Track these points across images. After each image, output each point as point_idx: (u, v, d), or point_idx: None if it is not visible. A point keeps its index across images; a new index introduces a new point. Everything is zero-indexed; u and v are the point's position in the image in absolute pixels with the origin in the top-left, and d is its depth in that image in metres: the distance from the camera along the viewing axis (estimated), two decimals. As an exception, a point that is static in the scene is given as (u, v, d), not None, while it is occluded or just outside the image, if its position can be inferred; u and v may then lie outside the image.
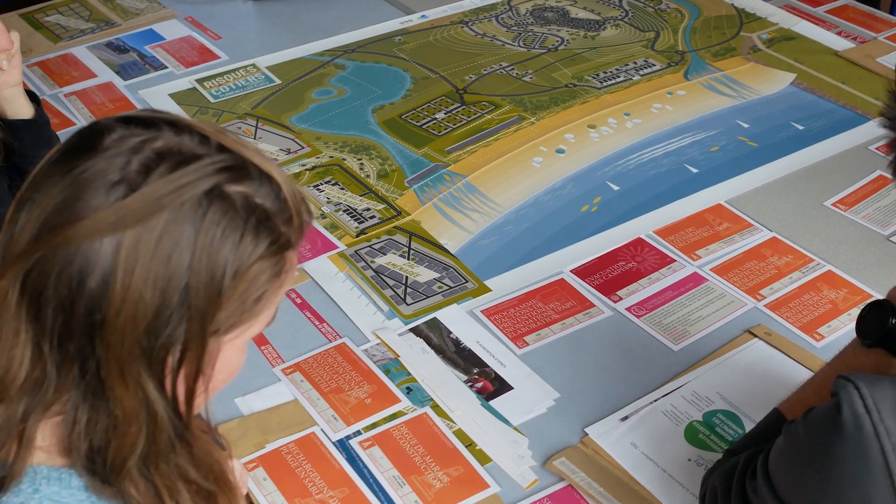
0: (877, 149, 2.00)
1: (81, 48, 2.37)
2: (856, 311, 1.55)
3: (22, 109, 1.51)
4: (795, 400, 1.12)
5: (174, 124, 0.78)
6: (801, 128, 2.09)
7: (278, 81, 2.26)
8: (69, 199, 0.73)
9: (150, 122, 0.78)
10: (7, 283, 0.75)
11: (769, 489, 0.95)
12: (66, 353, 0.76)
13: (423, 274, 1.67)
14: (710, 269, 1.67)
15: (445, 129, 2.10)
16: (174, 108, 2.15)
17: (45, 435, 0.79)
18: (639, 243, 1.74)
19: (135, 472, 0.79)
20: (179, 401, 0.80)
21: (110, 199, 0.73)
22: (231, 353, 0.83)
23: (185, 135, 0.78)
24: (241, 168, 0.78)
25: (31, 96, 1.55)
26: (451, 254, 1.72)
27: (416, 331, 1.55)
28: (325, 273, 1.67)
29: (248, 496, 1.26)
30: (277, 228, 0.79)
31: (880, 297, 1.57)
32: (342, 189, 1.89)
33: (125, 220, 0.72)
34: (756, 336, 1.52)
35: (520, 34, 2.49)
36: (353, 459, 1.33)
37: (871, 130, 2.07)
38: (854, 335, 1.08)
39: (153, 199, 0.73)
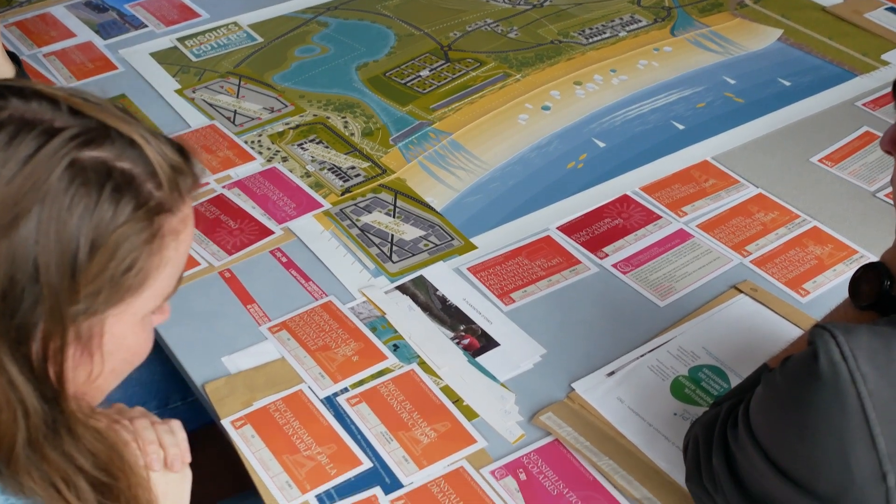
0: (864, 105, 2.00)
1: (60, 7, 2.33)
2: (841, 267, 1.57)
3: (3, 69, 1.49)
4: (784, 357, 1.12)
5: (21, 92, 0.75)
6: (787, 84, 2.08)
7: (260, 39, 2.24)
8: None
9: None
10: None
11: (749, 437, 0.95)
12: None
13: (409, 232, 1.66)
14: (697, 226, 1.67)
15: (430, 86, 2.08)
16: (155, 68, 2.12)
17: None
18: (625, 200, 1.74)
19: (25, 461, 0.76)
20: (52, 382, 0.76)
21: None
22: (123, 330, 0.80)
23: (34, 102, 0.74)
24: (95, 132, 0.75)
25: (13, 57, 1.53)
26: (436, 211, 1.72)
27: (402, 288, 1.54)
28: (311, 232, 1.66)
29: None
30: (143, 192, 0.76)
31: (866, 253, 1.59)
32: (326, 147, 1.88)
33: None
34: (742, 292, 1.52)
35: (505, -9, 2.47)
36: (340, 416, 1.33)
37: (858, 86, 2.07)
38: (842, 294, 1.08)
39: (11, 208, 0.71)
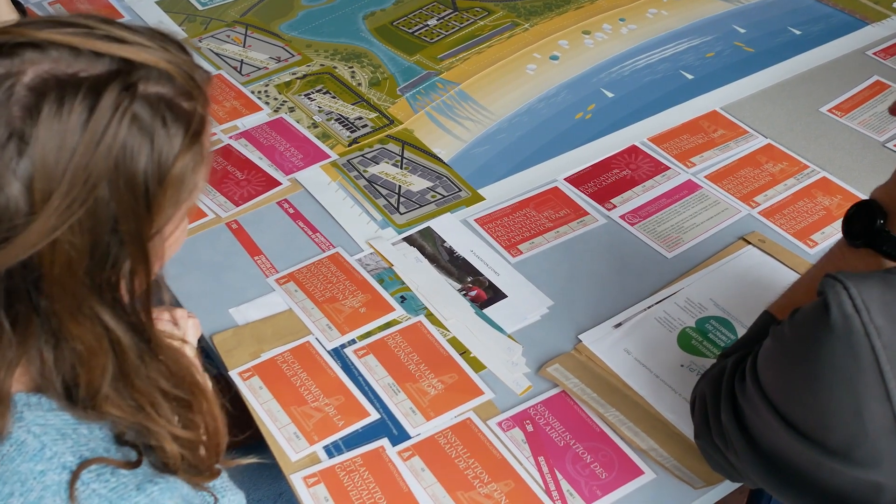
0: (874, 54, 1.98)
1: (64, -46, 2.32)
2: (849, 218, 1.56)
3: (7, 17, 1.48)
4: (785, 302, 1.12)
5: (35, 44, 0.72)
6: (798, 33, 2.06)
7: (267, -12, 2.22)
8: None
9: (8, 49, 0.72)
10: None
11: (757, 390, 0.95)
12: (16, 314, 0.74)
13: (417, 183, 1.66)
14: (705, 177, 1.66)
15: (438, 35, 2.07)
16: (161, 17, 2.11)
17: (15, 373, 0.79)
18: (633, 151, 1.73)
19: (112, 394, 0.79)
20: (140, 312, 0.80)
21: (6, 160, 0.69)
22: (176, 235, 0.84)
23: (52, 51, 0.72)
24: (127, 73, 0.74)
25: (17, 5, 1.52)
26: (444, 162, 1.71)
27: (409, 240, 1.54)
28: (318, 183, 1.66)
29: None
30: (184, 110, 0.77)
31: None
32: (333, 98, 1.87)
33: (63, 218, 0.71)
34: (750, 243, 1.52)
35: (513, -63, 2.43)
36: (347, 367, 1.33)
37: (869, 35, 2.04)
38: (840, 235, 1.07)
39: (83, 183, 0.70)
